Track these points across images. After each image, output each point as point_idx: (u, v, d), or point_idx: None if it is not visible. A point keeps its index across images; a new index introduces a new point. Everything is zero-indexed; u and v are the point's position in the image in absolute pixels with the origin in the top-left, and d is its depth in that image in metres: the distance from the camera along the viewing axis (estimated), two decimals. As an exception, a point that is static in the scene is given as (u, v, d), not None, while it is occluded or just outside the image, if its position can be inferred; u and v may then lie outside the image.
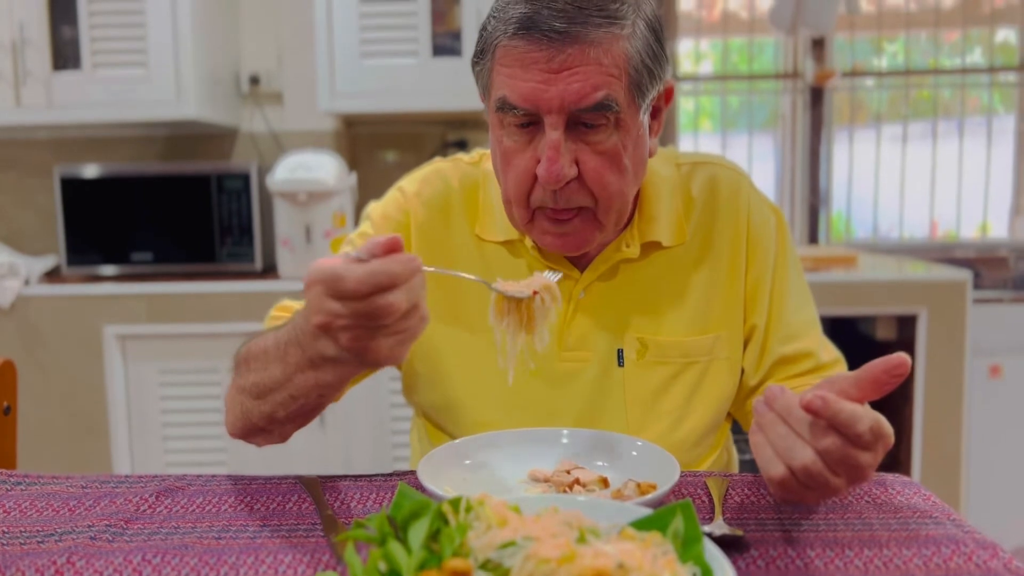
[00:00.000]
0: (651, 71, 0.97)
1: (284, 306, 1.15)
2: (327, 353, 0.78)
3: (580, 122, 0.95)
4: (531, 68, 0.93)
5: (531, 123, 0.97)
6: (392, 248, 0.73)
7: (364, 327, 0.73)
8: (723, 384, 1.11)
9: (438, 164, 1.18)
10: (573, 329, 1.10)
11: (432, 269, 0.81)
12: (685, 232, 1.11)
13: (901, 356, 0.72)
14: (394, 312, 0.72)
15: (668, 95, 1.04)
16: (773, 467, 0.74)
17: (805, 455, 0.72)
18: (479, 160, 1.17)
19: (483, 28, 1.00)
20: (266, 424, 0.95)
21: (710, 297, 1.11)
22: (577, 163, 0.97)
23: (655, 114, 1.04)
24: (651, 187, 1.10)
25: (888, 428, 0.73)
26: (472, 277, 0.92)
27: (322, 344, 0.78)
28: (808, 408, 0.71)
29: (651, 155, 1.05)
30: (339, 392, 0.92)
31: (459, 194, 1.14)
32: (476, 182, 1.15)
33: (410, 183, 1.17)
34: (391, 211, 1.15)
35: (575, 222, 1.01)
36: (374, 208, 1.17)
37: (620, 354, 1.09)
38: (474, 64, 1.02)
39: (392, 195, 1.17)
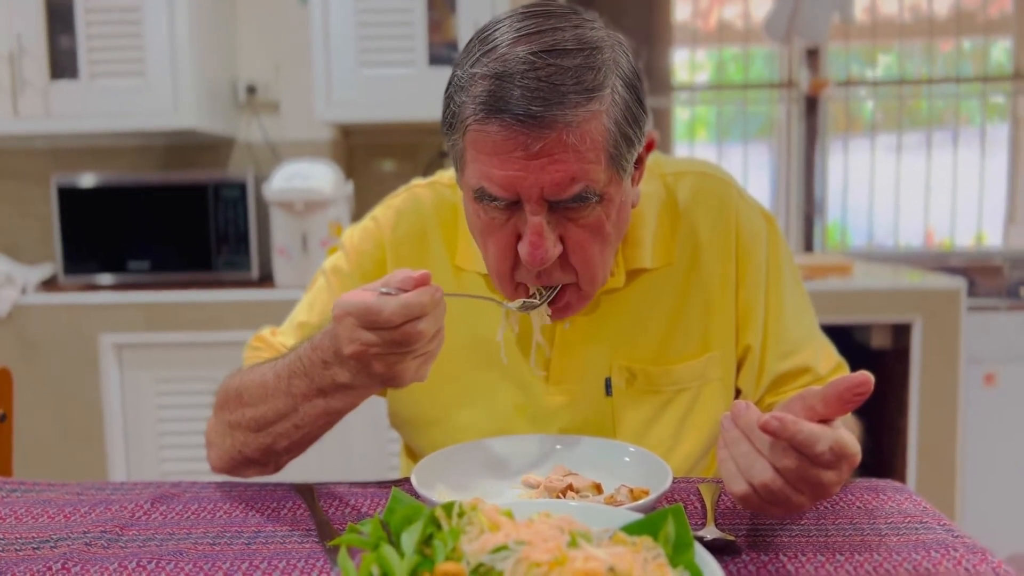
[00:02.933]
0: (630, 139, 0.91)
1: (261, 337, 1.13)
2: (340, 380, 0.87)
3: (560, 206, 0.90)
4: (508, 157, 0.86)
5: (510, 203, 0.91)
6: (421, 282, 0.82)
7: (395, 352, 0.82)
8: (715, 407, 1.09)
9: (416, 189, 1.14)
10: (559, 362, 1.07)
11: (452, 295, 0.90)
12: (672, 252, 1.08)
13: (864, 375, 0.71)
14: (423, 338, 0.82)
15: (649, 146, 0.99)
16: (736, 483, 0.74)
17: (765, 473, 0.72)
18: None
19: (449, 98, 0.92)
20: (261, 456, 0.99)
21: (700, 318, 1.08)
22: (561, 238, 0.92)
23: (637, 163, 0.98)
24: (636, 212, 1.05)
25: (853, 447, 0.72)
26: (485, 297, 1.03)
27: (336, 372, 0.87)
28: (765, 429, 0.70)
29: (634, 205, 1.00)
30: (340, 419, 0.95)
31: (436, 224, 1.10)
32: (454, 208, 1.10)
33: (385, 212, 1.13)
34: (366, 246, 1.12)
35: (563, 296, 0.97)
36: (349, 238, 1.14)
37: (608, 383, 1.07)
38: (444, 134, 0.96)
39: (366, 225, 1.13)
